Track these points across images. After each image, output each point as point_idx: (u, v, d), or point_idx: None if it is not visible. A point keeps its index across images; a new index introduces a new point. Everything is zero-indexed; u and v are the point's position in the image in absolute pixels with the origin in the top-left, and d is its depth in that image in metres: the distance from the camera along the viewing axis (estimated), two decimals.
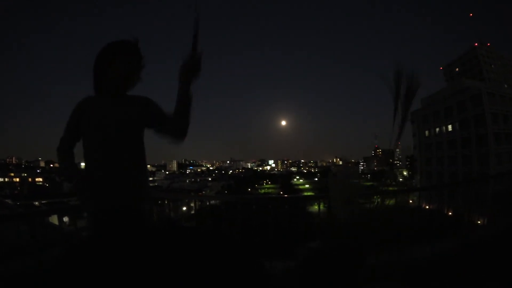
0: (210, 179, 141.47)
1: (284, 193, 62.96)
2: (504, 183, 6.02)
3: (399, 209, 3.81)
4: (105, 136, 1.79)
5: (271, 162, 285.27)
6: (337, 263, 2.51)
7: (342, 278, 2.50)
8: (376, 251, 3.42)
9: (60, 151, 1.98)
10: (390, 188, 3.80)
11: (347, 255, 2.55)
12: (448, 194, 5.50)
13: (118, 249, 1.56)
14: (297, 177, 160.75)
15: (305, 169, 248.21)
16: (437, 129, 53.71)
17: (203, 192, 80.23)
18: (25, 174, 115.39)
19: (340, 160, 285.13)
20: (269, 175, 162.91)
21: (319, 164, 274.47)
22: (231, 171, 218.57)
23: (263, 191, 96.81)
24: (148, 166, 2.08)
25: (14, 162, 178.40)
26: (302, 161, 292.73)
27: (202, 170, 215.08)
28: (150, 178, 1.94)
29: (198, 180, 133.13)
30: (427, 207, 4.41)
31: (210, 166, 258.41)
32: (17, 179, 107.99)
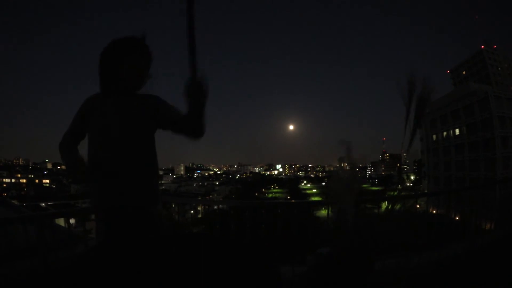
0: (217, 183, 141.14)
1: (291, 198, 62.87)
2: (510, 188, 5.99)
3: (406, 214, 3.79)
4: (113, 136, 1.76)
5: (278, 166, 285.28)
6: (347, 269, 2.50)
7: (351, 284, 2.49)
8: (383, 256, 3.41)
9: (62, 146, 1.91)
10: (399, 193, 3.74)
11: (356, 261, 2.54)
12: (455, 199, 5.49)
13: (129, 251, 1.55)
14: (305, 182, 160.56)
15: (313, 174, 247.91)
16: (445, 133, 53.50)
17: (210, 196, 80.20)
18: (32, 176, 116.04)
19: (347, 165, 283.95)
20: (276, 180, 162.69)
21: (326, 169, 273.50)
22: (238, 175, 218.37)
23: (270, 195, 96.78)
24: None
25: (21, 163, 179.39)
26: (310, 165, 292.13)
27: (209, 174, 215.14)
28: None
29: (206, 184, 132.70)
30: (434, 212, 4.39)
31: (217, 170, 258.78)
32: (24, 180, 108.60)
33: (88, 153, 1.83)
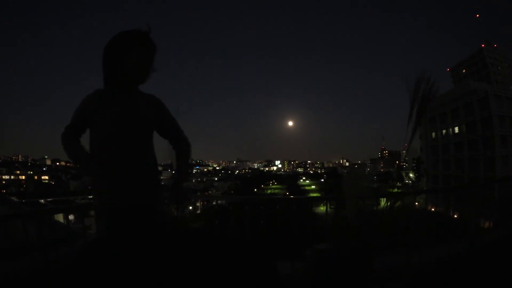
0: (216, 179, 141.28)
1: (290, 194, 62.96)
2: (510, 187, 6.00)
3: (405, 211, 3.80)
4: (117, 133, 1.76)
5: (277, 162, 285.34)
6: (346, 266, 2.51)
7: (350, 281, 2.50)
8: (382, 253, 3.42)
9: (64, 138, 1.89)
10: (396, 190, 3.76)
11: (356, 257, 2.55)
12: (455, 197, 5.49)
13: (132, 248, 1.55)
14: (304, 178, 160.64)
15: (312, 170, 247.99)
16: (444, 131, 53.56)
17: (209, 192, 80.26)
18: (31, 172, 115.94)
19: (347, 161, 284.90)
20: (275, 176, 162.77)
21: (325, 165, 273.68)
22: (237, 171, 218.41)
23: (269, 191, 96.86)
24: None
25: (20, 160, 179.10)
26: (309, 162, 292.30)
27: (208, 170, 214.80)
28: None
29: (205, 180, 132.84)
30: (433, 209, 4.40)
31: (216, 166, 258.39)
32: (23, 177, 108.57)
33: (91, 150, 1.82)
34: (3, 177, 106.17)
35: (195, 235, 1.75)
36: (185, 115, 1.94)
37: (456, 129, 50.62)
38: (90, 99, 1.84)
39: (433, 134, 56.12)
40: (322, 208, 3.56)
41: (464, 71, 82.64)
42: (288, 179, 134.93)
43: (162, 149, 2.08)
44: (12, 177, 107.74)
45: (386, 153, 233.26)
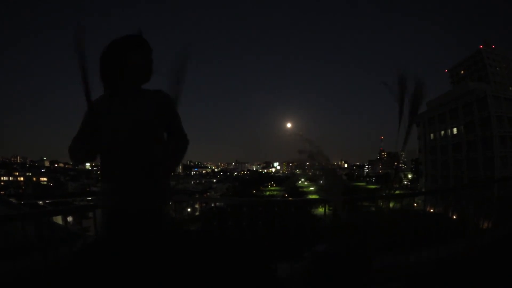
0: (215, 180, 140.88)
1: (289, 196, 62.86)
2: (509, 187, 6.00)
3: (404, 212, 3.80)
4: (125, 137, 1.76)
5: (276, 164, 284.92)
6: (344, 267, 2.51)
7: (348, 282, 2.50)
8: (381, 254, 3.42)
9: (72, 150, 1.80)
10: (395, 192, 3.75)
11: (353, 258, 2.55)
12: (453, 198, 5.49)
13: (133, 250, 1.55)
14: (302, 180, 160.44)
15: (310, 172, 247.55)
16: (442, 132, 53.50)
17: (208, 193, 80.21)
18: (30, 174, 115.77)
19: (345, 163, 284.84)
20: (274, 177, 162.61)
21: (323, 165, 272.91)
22: (236, 173, 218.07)
23: (268, 193, 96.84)
24: None
25: (18, 161, 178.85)
26: (307, 163, 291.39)
27: (207, 172, 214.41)
28: None
29: (203, 181, 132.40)
30: (432, 210, 4.40)
31: (215, 168, 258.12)
32: (22, 178, 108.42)
33: (101, 156, 1.82)
34: (2, 178, 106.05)
35: (195, 236, 1.75)
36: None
37: (455, 130, 50.54)
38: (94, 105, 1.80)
39: (432, 135, 56.04)
40: (320, 210, 3.56)
41: (462, 72, 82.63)
42: (286, 180, 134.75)
43: None
44: (10, 178, 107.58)
45: (384, 154, 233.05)
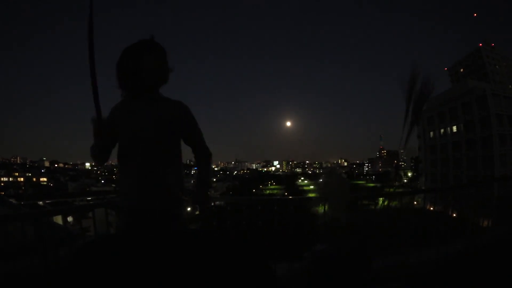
0: (214, 179, 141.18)
1: (289, 194, 62.93)
2: (508, 186, 6.01)
3: (404, 211, 3.80)
4: (142, 140, 1.82)
5: (276, 163, 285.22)
6: (344, 266, 2.51)
7: (348, 281, 2.50)
8: (381, 253, 3.42)
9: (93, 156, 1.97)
10: (394, 190, 3.76)
11: (353, 258, 2.55)
12: (453, 196, 5.49)
13: (136, 249, 1.56)
14: (302, 178, 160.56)
15: (310, 170, 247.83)
16: (442, 131, 53.58)
17: (208, 192, 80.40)
18: (30, 174, 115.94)
19: (345, 161, 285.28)
20: (273, 176, 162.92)
21: (324, 165, 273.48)
22: (235, 172, 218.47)
23: (268, 192, 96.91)
24: None
25: (18, 161, 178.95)
26: (307, 162, 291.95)
27: None
28: None
29: None
30: (432, 209, 4.40)
31: (214, 167, 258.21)
32: (22, 179, 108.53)
33: (119, 158, 1.90)
34: (2, 179, 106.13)
35: (194, 235, 1.76)
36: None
37: (454, 128, 50.63)
38: (112, 113, 1.92)
39: (431, 133, 56.14)
40: (320, 209, 3.56)
41: (462, 70, 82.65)
42: (286, 179, 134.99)
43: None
44: (10, 179, 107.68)
45: (384, 152, 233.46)
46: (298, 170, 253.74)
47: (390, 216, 3.60)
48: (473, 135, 46.37)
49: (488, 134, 43.84)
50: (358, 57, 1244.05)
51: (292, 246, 3.34)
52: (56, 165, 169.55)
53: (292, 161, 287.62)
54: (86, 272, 1.38)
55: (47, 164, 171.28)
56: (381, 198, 3.70)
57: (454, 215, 5.15)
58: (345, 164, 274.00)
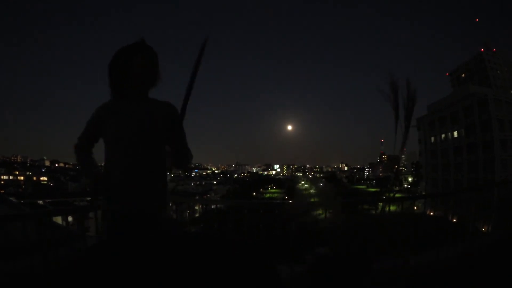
0: (215, 182, 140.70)
1: (289, 198, 62.81)
2: (509, 191, 6.00)
3: (404, 215, 3.81)
4: (127, 139, 1.81)
5: (276, 166, 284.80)
6: (345, 269, 2.52)
7: (349, 284, 2.50)
8: (381, 256, 3.42)
9: (77, 149, 2.03)
10: (395, 195, 3.77)
11: (354, 261, 2.56)
12: (453, 201, 5.49)
13: (132, 254, 1.57)
14: (302, 182, 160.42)
15: (311, 174, 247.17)
16: (443, 135, 53.50)
17: (208, 195, 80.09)
18: (30, 173, 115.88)
19: (346, 165, 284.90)
20: (274, 180, 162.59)
21: (324, 170, 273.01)
22: (236, 175, 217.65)
23: (268, 195, 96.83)
24: None
25: (19, 160, 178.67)
26: (308, 166, 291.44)
27: (207, 173, 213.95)
28: None
29: (203, 183, 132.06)
30: (432, 213, 4.41)
31: (215, 170, 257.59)
32: (22, 178, 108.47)
33: (105, 158, 1.89)
34: (2, 177, 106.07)
35: (195, 237, 1.77)
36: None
37: (456, 133, 50.57)
38: (99, 111, 1.93)
39: (432, 138, 56.06)
40: (321, 212, 3.56)
41: (463, 75, 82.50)
42: (287, 183, 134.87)
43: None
44: (11, 177, 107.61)
45: (385, 157, 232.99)
46: (298, 174, 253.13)
47: (390, 220, 3.61)
48: (474, 139, 46.30)
49: (489, 139, 43.78)
50: (360, 61, 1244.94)
51: (294, 249, 3.34)
52: (56, 165, 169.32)
53: (292, 165, 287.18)
54: (88, 276, 1.39)
55: (47, 163, 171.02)
56: (380, 203, 3.72)
57: (454, 220, 5.16)
58: (346, 168, 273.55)
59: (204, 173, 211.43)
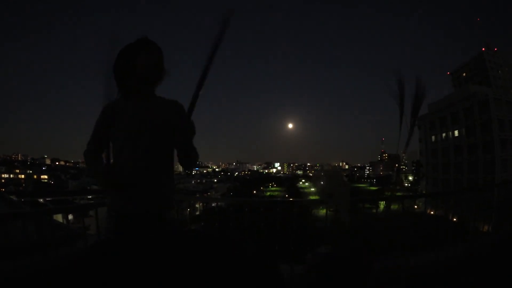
0: (215, 180, 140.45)
1: (290, 196, 62.69)
2: (509, 191, 5.99)
3: (405, 214, 3.80)
4: (134, 139, 1.80)
5: (277, 165, 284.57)
6: (346, 268, 2.51)
7: (350, 283, 2.50)
8: (381, 256, 3.42)
9: (86, 155, 1.96)
10: (396, 194, 3.78)
11: (356, 260, 2.55)
12: (454, 201, 5.49)
13: (133, 253, 1.56)
14: (303, 180, 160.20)
15: (311, 173, 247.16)
16: (444, 135, 53.47)
17: (209, 193, 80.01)
18: (30, 171, 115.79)
19: (346, 164, 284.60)
20: (274, 178, 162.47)
21: (325, 168, 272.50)
22: (236, 173, 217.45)
23: (268, 193, 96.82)
24: None
25: (19, 158, 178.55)
26: (308, 164, 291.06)
27: (207, 172, 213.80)
28: None
29: (204, 181, 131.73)
30: (432, 213, 4.40)
31: (216, 168, 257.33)
32: (22, 176, 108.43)
33: (114, 158, 1.87)
34: (3, 175, 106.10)
35: (196, 237, 1.76)
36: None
37: (456, 133, 50.54)
38: (106, 111, 1.91)
39: (433, 137, 56.01)
40: (322, 211, 3.55)
41: (464, 75, 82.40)
42: (287, 181, 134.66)
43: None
44: (11, 175, 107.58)
45: (385, 156, 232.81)
46: (299, 172, 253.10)
47: (391, 219, 3.60)
48: (475, 139, 46.28)
49: (490, 139, 43.76)
50: (361, 60, 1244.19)
51: (294, 248, 3.34)
52: (57, 163, 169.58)
53: (293, 163, 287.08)
54: (89, 275, 1.39)
55: (48, 161, 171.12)
56: (382, 202, 3.72)
57: (455, 219, 5.15)
58: (346, 167, 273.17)
59: (204, 171, 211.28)
